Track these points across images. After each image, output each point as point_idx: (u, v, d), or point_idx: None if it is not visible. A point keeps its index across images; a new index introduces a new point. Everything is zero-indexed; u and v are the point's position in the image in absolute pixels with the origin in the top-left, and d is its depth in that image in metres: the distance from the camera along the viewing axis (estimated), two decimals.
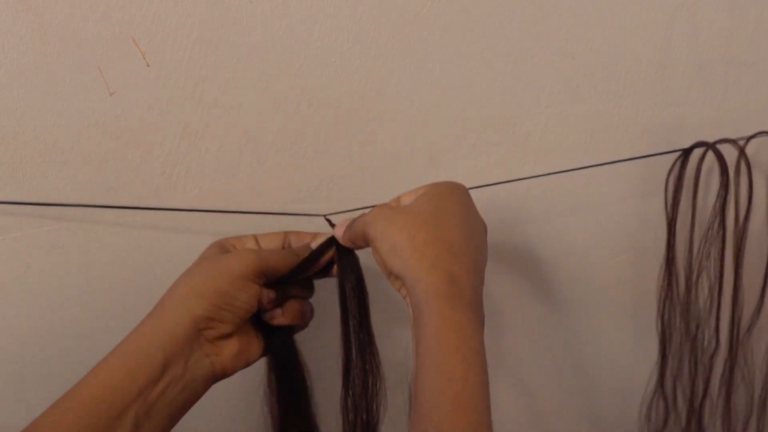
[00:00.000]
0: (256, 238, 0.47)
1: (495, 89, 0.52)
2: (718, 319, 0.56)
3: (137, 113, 0.46)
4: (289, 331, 0.46)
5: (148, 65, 0.45)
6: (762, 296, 0.57)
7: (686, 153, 0.54)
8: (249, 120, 0.48)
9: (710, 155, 0.53)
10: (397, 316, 0.54)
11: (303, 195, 0.51)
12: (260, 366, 0.46)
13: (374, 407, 0.45)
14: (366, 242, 0.42)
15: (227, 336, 0.42)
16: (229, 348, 0.42)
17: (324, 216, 0.49)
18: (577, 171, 0.53)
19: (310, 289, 0.47)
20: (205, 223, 0.50)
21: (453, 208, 0.41)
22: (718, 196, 0.53)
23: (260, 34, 0.46)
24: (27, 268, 0.49)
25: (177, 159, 0.48)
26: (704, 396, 0.58)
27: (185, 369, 0.39)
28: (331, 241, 0.45)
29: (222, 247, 0.45)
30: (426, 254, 0.38)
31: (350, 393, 0.44)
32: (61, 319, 0.51)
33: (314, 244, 0.46)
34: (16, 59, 0.44)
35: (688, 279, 0.56)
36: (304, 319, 0.46)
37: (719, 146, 0.52)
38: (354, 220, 0.43)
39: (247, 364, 0.44)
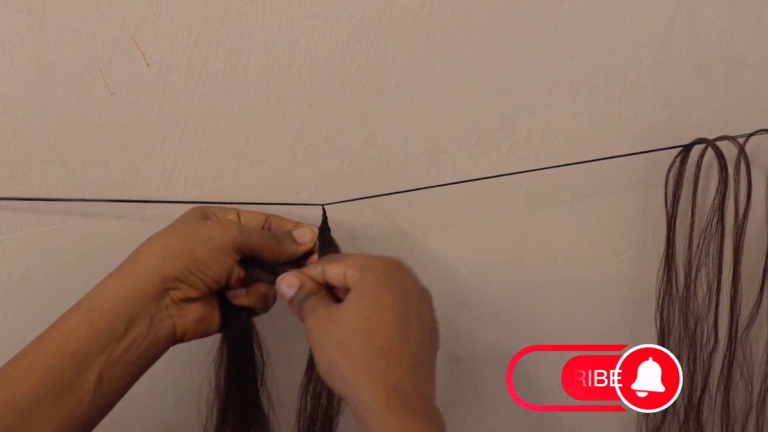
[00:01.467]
0: (238, 212, 0.46)
1: (495, 89, 0.52)
2: (717, 315, 0.56)
3: (137, 113, 0.46)
4: (249, 312, 0.45)
5: (148, 65, 0.45)
6: (761, 292, 0.57)
7: (686, 149, 0.54)
8: (249, 120, 0.48)
9: (710, 153, 0.53)
10: None
11: (303, 196, 0.51)
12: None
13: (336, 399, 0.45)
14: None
15: (192, 300, 0.41)
16: (193, 312, 0.41)
17: (322, 205, 0.48)
18: (577, 170, 0.53)
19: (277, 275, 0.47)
20: None
21: (387, 302, 0.37)
22: (717, 192, 0.53)
23: (260, 34, 0.46)
24: (28, 268, 0.49)
25: (177, 159, 0.48)
26: (703, 392, 0.58)
27: (149, 328, 0.39)
28: (317, 234, 0.46)
29: (203, 214, 0.45)
30: (361, 368, 0.35)
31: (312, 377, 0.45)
32: None
33: (296, 233, 0.45)
34: (16, 59, 0.44)
35: (687, 275, 0.56)
36: (266, 304, 0.45)
37: (719, 143, 0.52)
38: (305, 300, 0.40)
39: (206, 334, 0.43)
